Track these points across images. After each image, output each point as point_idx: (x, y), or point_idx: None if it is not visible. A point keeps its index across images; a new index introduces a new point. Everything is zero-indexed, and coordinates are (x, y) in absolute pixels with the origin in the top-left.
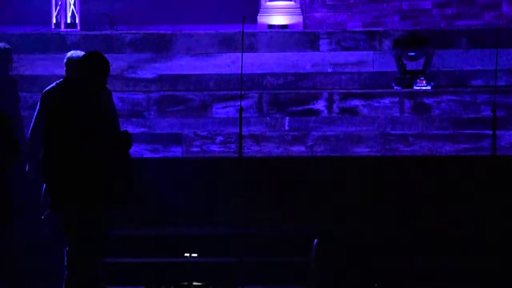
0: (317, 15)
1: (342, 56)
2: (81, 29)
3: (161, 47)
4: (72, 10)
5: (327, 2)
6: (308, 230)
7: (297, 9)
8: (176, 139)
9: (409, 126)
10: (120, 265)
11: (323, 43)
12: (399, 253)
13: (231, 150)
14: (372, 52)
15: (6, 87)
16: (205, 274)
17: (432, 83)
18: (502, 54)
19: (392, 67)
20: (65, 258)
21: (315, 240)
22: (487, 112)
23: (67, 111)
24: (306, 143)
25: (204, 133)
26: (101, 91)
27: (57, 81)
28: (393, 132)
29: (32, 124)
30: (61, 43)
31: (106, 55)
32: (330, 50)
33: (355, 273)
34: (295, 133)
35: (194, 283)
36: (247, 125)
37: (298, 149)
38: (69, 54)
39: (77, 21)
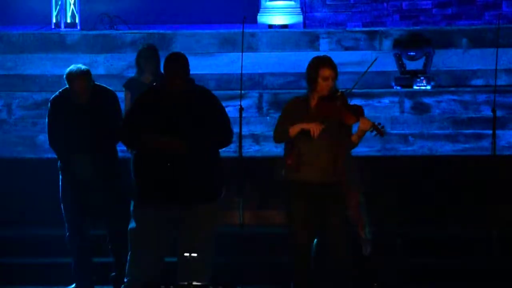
0: (317, 15)
1: (342, 56)
2: (81, 29)
3: (161, 46)
4: (72, 10)
5: (327, 2)
6: None
7: (297, 9)
8: None
9: (409, 126)
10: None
11: (323, 43)
12: (398, 253)
13: (231, 149)
14: (372, 51)
15: None
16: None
17: (432, 83)
18: (502, 54)
19: (392, 67)
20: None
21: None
22: (487, 112)
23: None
24: None
25: None
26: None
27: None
28: (393, 131)
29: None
30: (61, 43)
31: (106, 55)
32: (330, 50)
33: (354, 273)
34: None
35: (194, 283)
36: (247, 124)
37: None
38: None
39: (77, 20)
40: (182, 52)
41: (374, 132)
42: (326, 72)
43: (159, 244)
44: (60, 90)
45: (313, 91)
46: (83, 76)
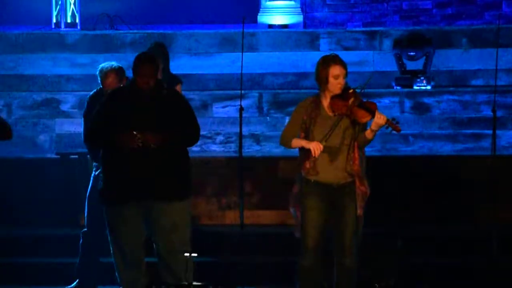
0: (317, 14)
1: (342, 56)
2: (81, 28)
3: None
4: (72, 10)
5: (327, 2)
6: None
7: (297, 9)
8: None
9: (409, 126)
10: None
11: (323, 43)
12: (397, 253)
13: (231, 149)
14: (372, 52)
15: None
16: (205, 274)
17: (432, 83)
18: (502, 54)
19: (392, 67)
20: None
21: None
22: (487, 112)
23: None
24: None
25: (204, 133)
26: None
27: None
28: (393, 131)
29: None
30: (61, 43)
31: (106, 55)
32: (330, 50)
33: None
34: None
35: (194, 283)
36: (248, 124)
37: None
38: None
39: (77, 20)
40: (182, 51)
41: (390, 129)
42: (336, 70)
43: (140, 242)
44: (97, 88)
45: (324, 91)
46: (112, 73)
